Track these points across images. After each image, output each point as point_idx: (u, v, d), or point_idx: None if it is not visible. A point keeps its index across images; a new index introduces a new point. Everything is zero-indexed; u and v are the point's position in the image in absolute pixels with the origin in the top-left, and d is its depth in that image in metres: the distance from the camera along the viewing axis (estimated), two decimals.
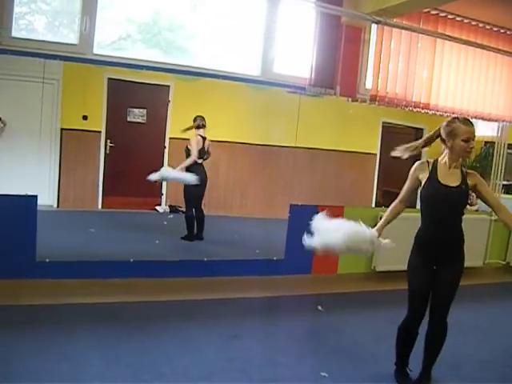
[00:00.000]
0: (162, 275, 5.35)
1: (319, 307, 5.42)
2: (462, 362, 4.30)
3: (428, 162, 3.62)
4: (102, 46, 6.37)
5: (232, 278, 5.65)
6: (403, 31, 6.59)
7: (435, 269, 3.57)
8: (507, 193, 8.92)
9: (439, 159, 3.59)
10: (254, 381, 3.78)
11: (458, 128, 3.43)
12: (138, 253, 5.64)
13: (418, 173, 3.64)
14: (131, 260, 5.31)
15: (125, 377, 3.63)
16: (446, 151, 3.53)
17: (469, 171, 3.57)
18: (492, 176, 7.54)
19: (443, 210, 3.49)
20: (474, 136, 3.45)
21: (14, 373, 3.51)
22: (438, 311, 3.60)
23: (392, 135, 8.49)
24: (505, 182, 8.75)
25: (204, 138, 6.47)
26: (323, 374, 3.92)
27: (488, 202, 3.53)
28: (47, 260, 4.96)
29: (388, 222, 3.75)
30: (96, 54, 5.57)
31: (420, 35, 6.69)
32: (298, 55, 6.62)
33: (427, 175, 3.56)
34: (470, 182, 3.51)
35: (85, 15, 5.47)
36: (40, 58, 5.27)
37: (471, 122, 3.48)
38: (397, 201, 3.79)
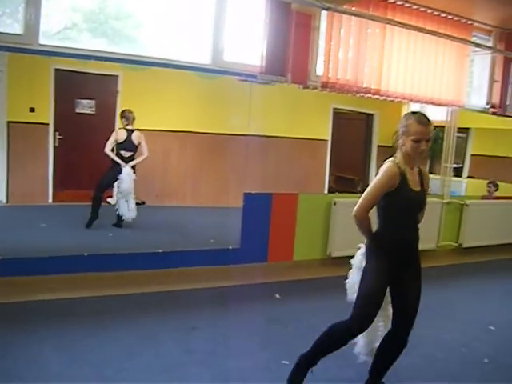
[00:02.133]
0: (117, 268, 5.28)
1: (277, 295, 5.45)
2: (420, 342, 4.37)
3: (397, 165, 3.27)
4: (48, 36, 6.21)
5: (189, 269, 5.63)
6: (353, 17, 6.59)
7: (398, 275, 3.34)
8: (456, 176, 9.11)
9: (400, 161, 3.31)
10: (215, 372, 3.77)
11: (411, 126, 3.19)
12: (92, 246, 5.56)
13: (393, 181, 3.24)
14: (85, 254, 5.23)
15: (85, 374, 3.57)
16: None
17: (424, 170, 3.43)
18: (443, 159, 7.65)
19: (410, 216, 3.35)
20: (429, 137, 3.21)
21: None
22: (407, 319, 3.39)
23: (343, 121, 8.54)
24: (454, 165, 8.93)
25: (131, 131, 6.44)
26: (284, 361, 3.93)
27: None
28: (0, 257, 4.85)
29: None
30: (42, 45, 5.41)
31: (370, 21, 6.72)
32: (249, 43, 6.57)
33: (398, 182, 3.24)
34: (425, 181, 3.38)
35: (29, 4, 5.30)
36: None
37: (428, 121, 3.22)
38: (366, 214, 3.32)
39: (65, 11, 6.47)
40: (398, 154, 3.31)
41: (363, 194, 3.29)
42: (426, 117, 3.24)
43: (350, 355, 3.61)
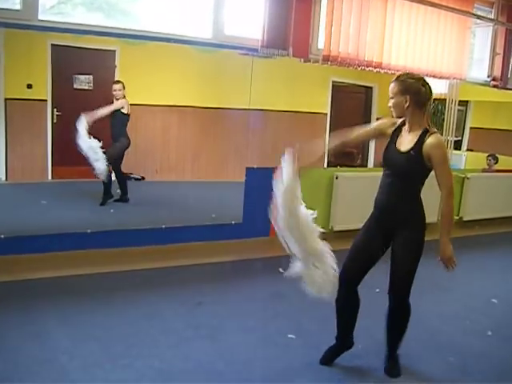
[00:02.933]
0: (120, 245, 5.28)
1: (280, 269, 5.44)
2: (423, 315, 4.40)
3: (399, 122, 3.40)
4: (42, 11, 6.14)
5: (191, 244, 5.63)
6: None
7: (386, 238, 3.42)
8: (456, 149, 9.10)
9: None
10: (222, 347, 3.79)
11: None
12: (94, 223, 5.55)
13: (385, 125, 3.46)
14: (88, 231, 5.22)
15: (94, 350, 3.58)
16: None
17: (431, 137, 3.23)
18: (444, 133, 7.63)
19: (390, 176, 3.36)
20: (389, 93, 3.30)
21: None
22: (394, 286, 3.40)
23: (342, 94, 8.50)
24: (456, 139, 8.92)
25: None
26: (290, 335, 3.96)
27: (439, 185, 3.26)
28: (2, 236, 4.82)
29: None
30: (41, 20, 5.34)
31: None
32: (250, 16, 6.51)
33: (389, 134, 3.41)
34: (424, 148, 3.21)
35: None
36: None
37: (395, 79, 3.31)
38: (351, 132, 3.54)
39: None
40: None
41: None
42: (399, 76, 3.33)
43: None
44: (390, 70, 6.94)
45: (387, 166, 3.39)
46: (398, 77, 3.31)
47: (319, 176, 6.58)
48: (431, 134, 3.23)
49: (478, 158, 8.91)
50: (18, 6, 5.19)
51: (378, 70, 6.91)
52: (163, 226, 5.62)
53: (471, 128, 9.48)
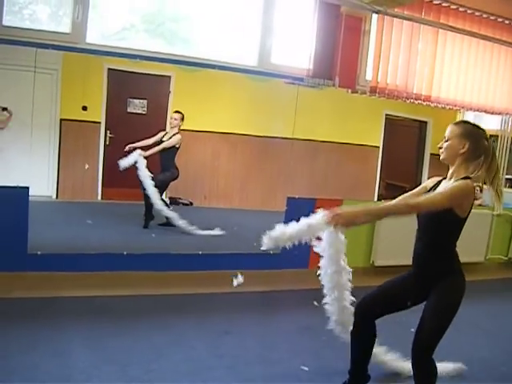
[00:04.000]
0: (156, 268, 5.29)
1: (315, 302, 5.34)
2: (459, 359, 4.22)
3: (440, 179, 3.23)
4: (105, 37, 6.32)
5: (227, 272, 5.57)
6: (404, 21, 6.45)
7: (421, 294, 3.22)
8: (511, 187, 8.84)
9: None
10: (242, 378, 3.72)
11: None
12: (133, 246, 5.61)
13: (428, 183, 3.28)
14: (124, 253, 5.26)
15: (112, 374, 3.56)
16: None
17: (462, 179, 3.02)
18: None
19: (420, 229, 3.20)
20: (447, 134, 3.11)
21: (1, 370, 3.45)
22: (415, 340, 3.13)
23: (395, 127, 8.41)
24: (509, 176, 8.66)
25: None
26: (304, 367, 3.87)
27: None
28: (38, 252, 4.90)
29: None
30: (89, 43, 5.48)
31: (422, 26, 6.55)
32: (297, 45, 6.52)
33: (431, 186, 3.23)
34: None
35: (77, 3, 5.38)
36: (31, 46, 5.17)
37: (455, 123, 3.17)
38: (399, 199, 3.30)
39: (124, 13, 6.55)
40: None
41: None
42: (461, 121, 3.32)
43: None
44: (439, 103, 6.80)
45: (417, 220, 3.21)
46: (461, 121, 3.23)
47: None
48: (463, 178, 3.05)
49: None
50: (67, 30, 5.33)
51: (427, 103, 6.78)
52: (200, 252, 5.61)
53: None
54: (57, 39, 5.20)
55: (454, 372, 3.65)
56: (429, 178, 3.34)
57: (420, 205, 3.01)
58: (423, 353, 3.10)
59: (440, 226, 3.07)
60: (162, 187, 6.41)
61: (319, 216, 3.16)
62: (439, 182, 3.21)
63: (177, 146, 6.45)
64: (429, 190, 3.22)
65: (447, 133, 3.13)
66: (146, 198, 6.34)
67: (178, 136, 6.44)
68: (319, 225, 3.16)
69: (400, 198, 3.29)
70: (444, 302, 3.12)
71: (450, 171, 3.13)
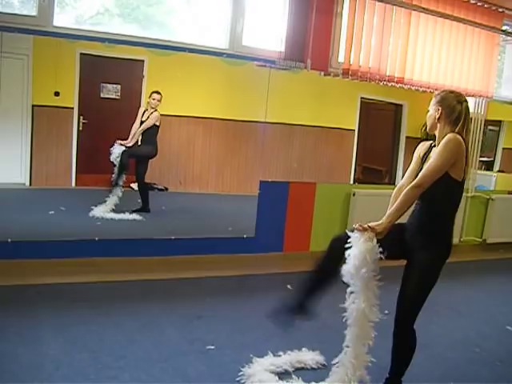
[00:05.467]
0: (128, 254, 5.27)
1: (289, 286, 5.36)
2: (432, 341, 4.27)
3: (431, 144, 3.29)
4: (80, 22, 6.23)
5: (200, 257, 5.59)
6: (377, 3, 6.40)
7: (407, 253, 3.26)
8: (487, 169, 8.90)
9: None
10: (215, 363, 3.72)
11: None
12: (106, 231, 5.60)
13: (418, 154, 3.33)
14: (96, 239, 5.23)
15: (83, 361, 3.54)
16: None
17: (448, 134, 3.10)
18: (469, 152, 7.45)
19: (419, 198, 3.19)
20: (430, 105, 3.25)
21: None
22: (398, 310, 3.23)
23: (371, 111, 8.39)
24: (485, 159, 8.72)
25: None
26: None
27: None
28: (9, 240, 4.86)
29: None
30: (56, 27, 5.39)
31: (394, 7, 6.52)
32: (269, 28, 6.46)
33: (423, 153, 3.30)
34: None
35: None
36: None
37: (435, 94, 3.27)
38: (397, 186, 3.37)
39: None
40: None
41: None
42: (440, 91, 3.29)
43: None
44: (412, 85, 6.79)
45: None
46: (440, 91, 3.27)
47: (336, 191, 6.51)
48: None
49: (508, 180, 8.68)
50: (34, 13, 5.24)
51: (400, 85, 6.76)
52: (173, 237, 5.59)
53: (504, 148, 9.25)
54: (23, 22, 5.10)
55: None
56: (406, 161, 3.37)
57: (423, 180, 3.05)
58: (406, 322, 3.21)
59: (437, 195, 3.11)
60: (140, 171, 6.42)
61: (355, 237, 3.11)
62: (430, 148, 3.27)
63: (157, 123, 6.40)
64: (422, 157, 3.29)
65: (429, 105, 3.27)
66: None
67: (156, 113, 6.39)
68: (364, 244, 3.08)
69: (403, 180, 3.34)
70: (425, 274, 3.18)
71: (436, 140, 3.20)
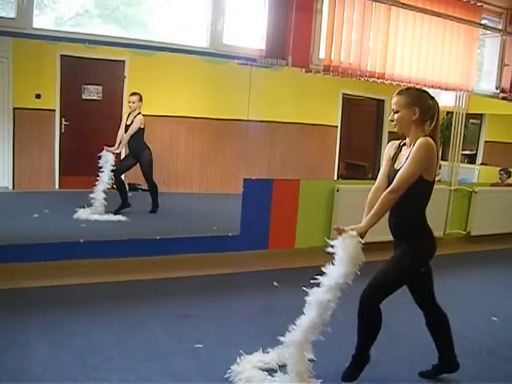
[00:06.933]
0: (112, 255, 5.26)
1: (275, 283, 5.38)
2: (418, 335, 4.28)
3: (400, 142, 3.33)
4: (60, 23, 6.21)
5: (186, 256, 5.59)
6: None
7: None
8: (470, 163, 8.99)
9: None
10: (203, 362, 3.71)
11: None
12: (91, 233, 5.61)
13: (389, 150, 3.37)
14: (81, 240, 5.22)
15: (70, 364, 3.51)
16: None
17: (419, 140, 3.12)
18: (451, 146, 7.52)
19: None
20: (394, 106, 3.20)
21: None
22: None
23: (353, 107, 8.45)
24: (468, 152, 8.80)
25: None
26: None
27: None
28: None
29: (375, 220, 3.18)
30: (36, 29, 5.35)
31: (374, 3, 6.52)
32: (249, 26, 6.45)
33: (393, 154, 3.33)
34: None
35: None
36: None
37: (399, 92, 3.23)
38: (372, 189, 3.39)
39: None
40: None
41: None
42: (403, 89, 3.26)
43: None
44: (393, 80, 6.79)
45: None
46: (404, 90, 3.25)
47: (320, 188, 6.53)
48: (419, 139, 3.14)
49: (491, 172, 8.77)
50: (12, 15, 5.20)
51: (381, 80, 6.76)
52: (158, 237, 5.59)
53: (486, 141, 9.33)
54: (2, 25, 5.05)
55: None
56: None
57: (399, 186, 3.11)
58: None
59: (410, 194, 3.15)
60: (148, 170, 6.55)
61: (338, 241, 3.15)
62: (400, 148, 3.31)
63: (141, 126, 6.40)
64: (392, 157, 3.32)
65: (394, 104, 3.22)
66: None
67: (139, 117, 6.39)
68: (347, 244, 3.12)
69: (377, 183, 3.37)
70: (397, 262, 3.29)
71: (408, 139, 3.23)
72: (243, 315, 4.62)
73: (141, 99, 6.41)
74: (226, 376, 3.49)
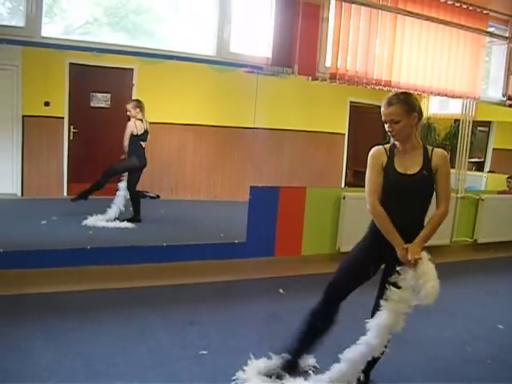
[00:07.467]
0: (120, 262, 5.28)
1: (281, 290, 5.39)
2: (423, 340, 4.30)
3: (385, 148, 3.31)
4: (69, 31, 6.25)
5: (192, 263, 5.60)
6: (362, 7, 6.46)
7: (380, 261, 3.38)
8: (478, 170, 8.95)
9: (392, 144, 3.31)
10: (208, 368, 3.72)
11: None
12: (98, 239, 5.62)
13: (380, 158, 3.30)
14: (88, 247, 5.24)
15: (75, 369, 3.54)
16: None
17: (437, 150, 3.23)
18: (458, 153, 7.51)
19: (401, 202, 3.20)
20: (391, 119, 3.15)
21: None
22: None
23: (360, 114, 8.42)
24: (476, 160, 8.77)
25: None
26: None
27: (438, 198, 3.23)
28: (1, 250, 4.87)
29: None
30: (44, 37, 5.39)
31: (380, 11, 6.56)
32: (256, 34, 6.48)
33: (385, 162, 3.27)
34: (433, 164, 3.18)
35: None
36: None
37: (391, 101, 3.18)
38: (377, 201, 3.30)
39: (87, 6, 6.47)
40: None
41: None
42: (395, 97, 3.21)
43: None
44: (399, 88, 6.74)
45: (394, 192, 3.25)
46: (393, 98, 3.20)
47: (327, 195, 6.53)
48: (432, 149, 3.24)
49: (498, 180, 8.74)
50: (21, 23, 5.24)
51: (387, 88, 6.77)
52: (164, 244, 5.61)
53: (494, 149, 9.30)
54: (11, 33, 5.11)
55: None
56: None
57: (448, 203, 3.24)
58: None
59: (429, 193, 3.25)
60: (131, 181, 6.43)
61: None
62: (392, 153, 3.28)
63: (134, 133, 6.36)
64: (386, 165, 3.28)
65: (392, 115, 3.17)
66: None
67: (129, 123, 6.32)
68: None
69: (376, 197, 3.30)
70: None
71: (403, 144, 3.24)
72: (249, 322, 4.63)
73: (139, 106, 6.37)
74: (231, 383, 3.51)
